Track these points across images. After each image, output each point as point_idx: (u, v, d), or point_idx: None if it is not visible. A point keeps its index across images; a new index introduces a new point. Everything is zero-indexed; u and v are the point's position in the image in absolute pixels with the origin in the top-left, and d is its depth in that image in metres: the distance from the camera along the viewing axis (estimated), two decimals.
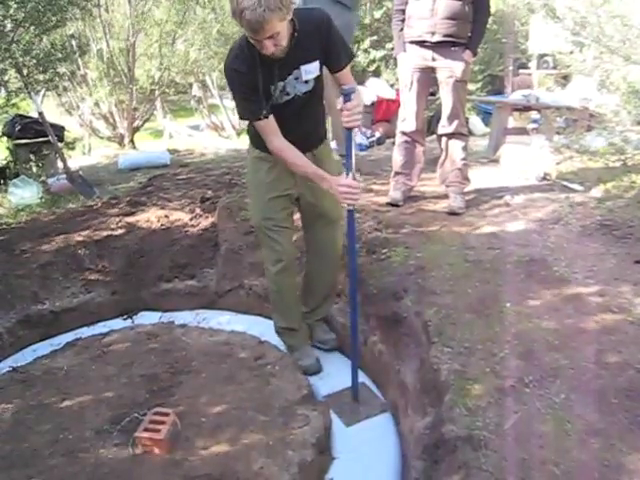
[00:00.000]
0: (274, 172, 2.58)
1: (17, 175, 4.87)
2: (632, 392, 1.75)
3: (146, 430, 2.09)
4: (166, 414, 2.16)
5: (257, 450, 2.07)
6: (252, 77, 2.25)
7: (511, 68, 9.15)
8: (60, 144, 5.10)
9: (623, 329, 2.08)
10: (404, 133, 3.57)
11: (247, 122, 2.59)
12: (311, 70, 2.34)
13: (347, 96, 2.21)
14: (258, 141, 2.51)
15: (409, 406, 2.29)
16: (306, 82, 2.37)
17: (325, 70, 2.43)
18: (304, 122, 2.48)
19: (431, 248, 2.91)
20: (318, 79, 2.42)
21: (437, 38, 3.24)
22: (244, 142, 7.73)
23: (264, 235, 2.68)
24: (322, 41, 2.29)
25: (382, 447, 2.35)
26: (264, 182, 2.61)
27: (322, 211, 2.73)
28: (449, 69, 3.31)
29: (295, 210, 2.80)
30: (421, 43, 3.31)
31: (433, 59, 3.33)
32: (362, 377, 2.85)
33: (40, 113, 4.73)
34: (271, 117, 2.33)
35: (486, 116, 7.11)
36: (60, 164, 4.96)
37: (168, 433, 2.07)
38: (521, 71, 9.11)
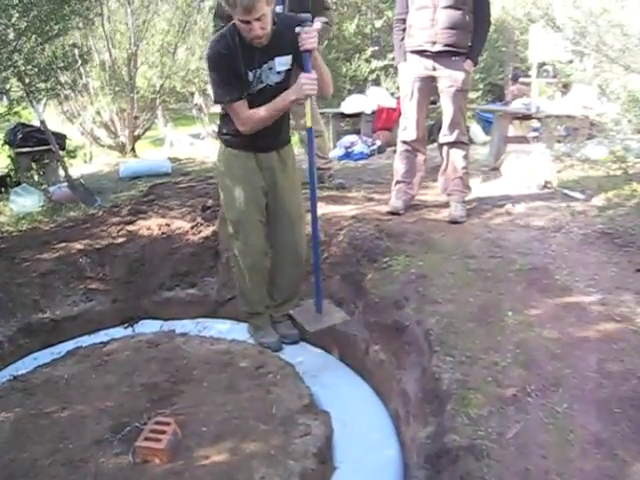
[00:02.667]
0: (247, 168, 2.81)
1: (18, 183, 4.87)
2: (635, 401, 1.74)
3: (147, 439, 2.08)
4: (167, 423, 2.15)
5: (258, 459, 2.06)
6: (233, 61, 2.53)
7: (510, 76, 9.18)
8: (62, 152, 5.10)
9: (625, 338, 2.08)
10: (405, 142, 3.58)
11: (220, 125, 2.87)
12: (283, 63, 2.62)
13: (304, 22, 2.49)
14: (231, 139, 2.80)
15: (411, 415, 2.28)
16: (278, 73, 2.64)
17: None
18: None
19: (432, 257, 2.91)
20: (289, 75, 2.68)
21: (438, 48, 3.26)
22: None
23: (240, 228, 2.90)
24: (296, 40, 2.53)
25: (384, 456, 2.34)
26: (239, 177, 2.83)
27: (285, 208, 2.94)
28: (450, 78, 3.32)
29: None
30: (422, 52, 3.33)
31: (434, 68, 3.34)
32: (364, 385, 2.86)
33: (42, 121, 4.74)
34: (245, 99, 2.60)
35: (487, 125, 7.12)
36: (61, 172, 4.96)
37: (169, 442, 2.06)
38: (521, 80, 9.14)
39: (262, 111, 2.61)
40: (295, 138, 3.16)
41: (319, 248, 2.88)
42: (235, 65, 2.54)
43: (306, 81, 2.50)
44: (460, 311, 2.39)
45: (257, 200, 2.88)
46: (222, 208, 3.12)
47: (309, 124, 2.64)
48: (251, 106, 2.62)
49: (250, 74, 2.58)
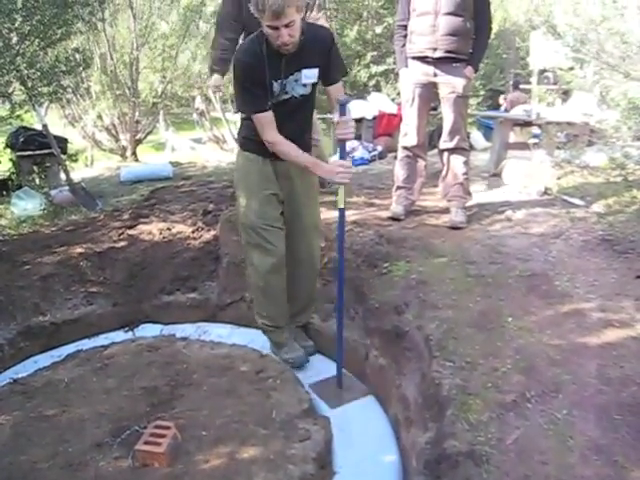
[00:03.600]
0: (264, 173, 2.72)
1: (20, 187, 4.89)
2: (635, 408, 1.74)
3: (146, 443, 2.08)
4: (167, 427, 2.16)
5: (258, 464, 2.06)
6: (259, 70, 2.45)
7: (511, 82, 9.21)
8: (63, 156, 5.12)
9: (625, 344, 2.08)
10: (405, 148, 3.59)
11: (240, 127, 2.81)
12: (310, 75, 2.54)
13: (343, 107, 2.42)
14: (248, 143, 2.72)
15: (411, 421, 2.28)
16: (304, 86, 2.57)
17: None
18: (295, 126, 2.64)
19: (433, 262, 2.92)
20: (314, 88, 2.63)
21: (439, 54, 3.27)
22: None
23: (256, 234, 2.76)
24: (324, 53, 2.53)
25: (383, 462, 2.34)
26: (256, 182, 2.73)
27: (301, 216, 2.86)
28: (450, 85, 3.33)
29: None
30: (423, 59, 3.34)
31: (435, 75, 3.35)
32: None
33: (44, 125, 4.75)
34: (270, 111, 2.52)
35: (487, 131, 7.14)
36: (63, 176, 4.97)
37: (168, 446, 2.06)
38: (521, 86, 9.16)
39: (290, 149, 2.55)
40: None
41: (343, 316, 2.75)
42: (261, 74, 2.46)
43: (340, 170, 2.45)
44: (460, 317, 2.40)
45: (272, 206, 2.77)
46: (237, 213, 2.99)
47: (340, 205, 2.52)
48: (273, 111, 2.54)
49: (275, 84, 2.51)
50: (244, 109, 2.63)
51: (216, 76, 3.88)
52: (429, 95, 3.48)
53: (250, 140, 2.69)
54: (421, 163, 3.64)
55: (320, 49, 2.49)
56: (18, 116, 4.45)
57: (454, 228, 3.38)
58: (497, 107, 9.29)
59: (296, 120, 2.65)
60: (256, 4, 2.25)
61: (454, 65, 3.30)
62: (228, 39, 3.69)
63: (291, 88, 2.55)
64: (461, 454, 1.72)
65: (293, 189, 2.80)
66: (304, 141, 2.74)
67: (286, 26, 2.29)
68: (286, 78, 2.51)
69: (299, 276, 2.99)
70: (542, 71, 8.12)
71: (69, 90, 6.15)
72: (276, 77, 2.49)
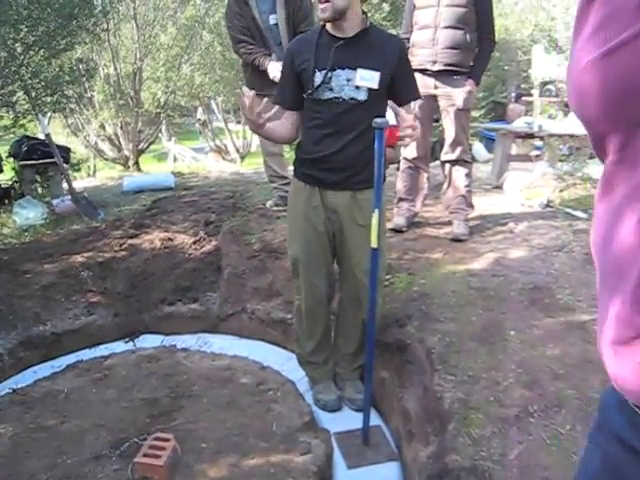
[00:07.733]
0: (310, 204, 2.44)
1: (22, 196, 4.90)
2: None
3: (146, 455, 2.06)
4: (166, 439, 2.14)
5: (258, 477, 2.04)
6: (302, 57, 2.30)
7: (513, 94, 9.25)
8: (66, 165, 5.13)
9: None
10: (407, 159, 3.60)
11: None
12: (367, 77, 2.22)
13: (380, 131, 2.07)
14: (298, 167, 2.48)
15: (412, 435, 2.27)
16: (357, 88, 2.24)
17: None
18: (346, 140, 2.28)
19: (435, 275, 2.91)
20: (374, 97, 2.26)
21: (438, 67, 3.28)
22: (248, 166, 7.79)
23: (299, 268, 2.55)
24: (390, 61, 2.25)
25: (384, 476, 2.32)
26: (301, 214, 2.48)
27: (349, 258, 2.53)
28: (451, 97, 3.34)
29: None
30: (423, 71, 3.35)
31: (435, 87, 3.36)
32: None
33: (47, 135, 4.77)
34: (289, 112, 2.39)
35: (489, 143, 7.15)
36: (65, 185, 4.99)
37: (168, 459, 2.04)
38: (523, 98, 9.19)
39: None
40: None
41: (372, 371, 2.40)
42: (301, 63, 2.28)
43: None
44: (462, 330, 2.39)
45: (319, 242, 2.49)
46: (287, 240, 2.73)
47: (374, 244, 2.14)
48: (316, 115, 2.32)
49: (318, 74, 2.25)
50: (273, 99, 2.48)
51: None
52: (430, 107, 3.48)
53: (299, 162, 2.45)
54: (423, 175, 3.65)
55: (384, 54, 2.21)
56: (21, 125, 4.48)
57: (456, 240, 3.37)
58: (500, 119, 9.31)
59: (347, 134, 2.28)
60: None
61: (454, 78, 3.31)
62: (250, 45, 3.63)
63: (338, 86, 2.25)
64: (463, 469, 1.70)
65: (341, 225, 2.46)
66: (362, 170, 2.32)
67: None
68: (333, 70, 2.23)
69: (346, 318, 2.72)
70: (544, 84, 8.15)
71: (72, 100, 6.17)
72: (321, 66, 2.25)
